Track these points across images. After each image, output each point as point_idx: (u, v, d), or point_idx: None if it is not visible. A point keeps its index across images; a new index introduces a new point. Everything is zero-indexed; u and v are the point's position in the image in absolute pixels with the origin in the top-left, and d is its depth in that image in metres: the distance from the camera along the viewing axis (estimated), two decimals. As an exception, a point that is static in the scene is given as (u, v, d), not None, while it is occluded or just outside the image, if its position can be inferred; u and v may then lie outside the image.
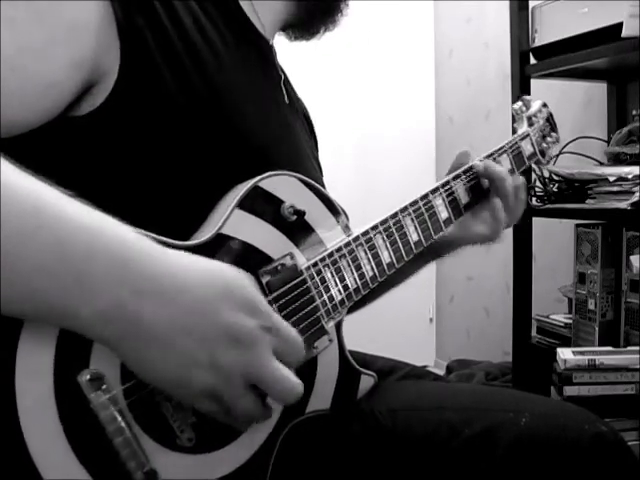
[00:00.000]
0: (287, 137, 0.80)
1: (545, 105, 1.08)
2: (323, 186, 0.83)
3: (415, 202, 0.82)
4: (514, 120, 1.06)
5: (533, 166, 1.74)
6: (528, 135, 1.02)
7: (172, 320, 0.53)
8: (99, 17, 0.61)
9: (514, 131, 1.03)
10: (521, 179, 0.95)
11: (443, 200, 0.87)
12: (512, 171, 0.97)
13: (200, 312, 0.54)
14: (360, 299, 0.76)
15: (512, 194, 0.92)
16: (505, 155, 0.96)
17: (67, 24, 0.59)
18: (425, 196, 0.84)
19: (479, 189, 0.92)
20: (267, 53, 0.81)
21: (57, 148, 0.63)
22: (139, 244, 0.54)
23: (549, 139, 1.07)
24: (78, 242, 0.50)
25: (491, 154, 0.94)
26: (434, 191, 0.86)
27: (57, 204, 0.51)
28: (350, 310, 0.76)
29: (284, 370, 0.56)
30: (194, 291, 0.54)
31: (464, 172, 0.91)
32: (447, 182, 0.88)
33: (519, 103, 1.06)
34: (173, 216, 0.65)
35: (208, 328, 0.54)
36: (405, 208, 0.81)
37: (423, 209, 0.83)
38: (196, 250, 0.61)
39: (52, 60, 0.58)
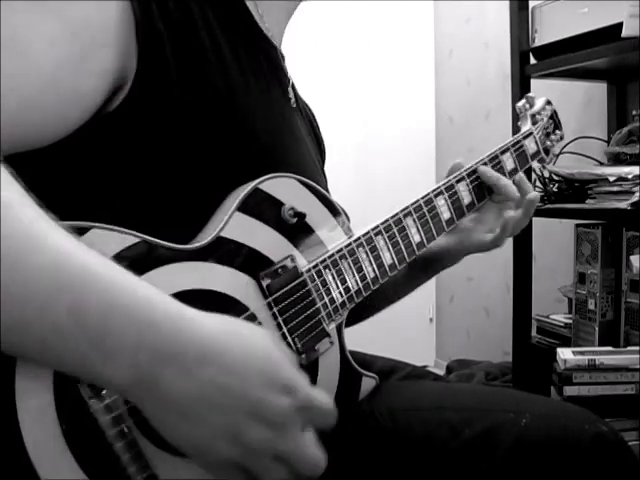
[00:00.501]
0: (294, 142, 0.80)
1: (549, 102, 1.07)
2: (326, 191, 0.83)
3: (417, 202, 0.82)
4: (517, 118, 1.05)
5: (533, 166, 1.74)
6: (531, 133, 1.01)
7: (194, 389, 0.50)
8: (122, 24, 0.61)
9: (517, 129, 1.03)
10: (535, 195, 0.94)
11: (445, 200, 0.86)
12: (515, 170, 0.96)
13: (226, 385, 0.51)
14: (359, 313, 0.75)
15: (530, 201, 0.92)
16: (508, 154, 0.95)
17: (97, 36, 0.59)
18: (427, 196, 0.84)
19: (482, 190, 0.92)
20: (275, 58, 0.81)
21: (64, 150, 0.62)
22: (159, 304, 0.51)
23: (553, 137, 1.05)
24: (95, 305, 0.48)
25: (494, 153, 0.94)
26: (436, 191, 0.85)
27: (79, 261, 0.49)
28: (348, 323, 0.76)
29: (311, 448, 0.54)
30: (221, 360, 0.51)
31: (467, 174, 0.90)
32: (449, 183, 0.88)
33: (523, 101, 1.05)
34: (174, 219, 0.65)
35: (234, 403, 0.51)
36: (407, 209, 0.81)
37: (425, 210, 0.83)
38: (196, 253, 0.61)
39: (85, 73, 0.58)
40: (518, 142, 0.98)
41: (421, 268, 0.94)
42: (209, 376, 0.50)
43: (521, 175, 0.95)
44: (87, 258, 0.50)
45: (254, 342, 0.53)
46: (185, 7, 0.68)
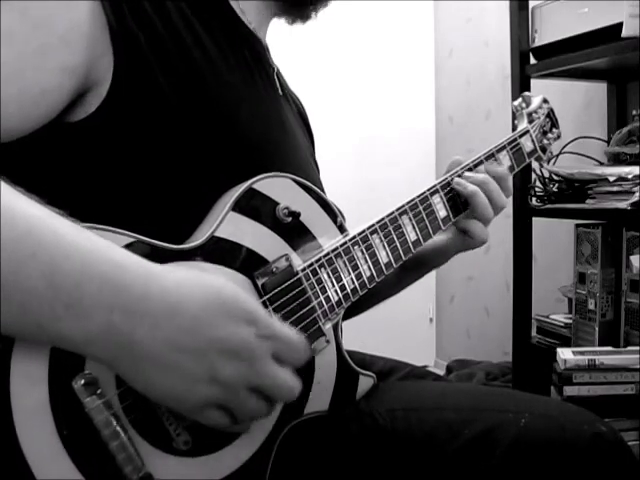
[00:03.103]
0: (283, 136, 0.80)
1: (546, 101, 1.07)
2: (320, 184, 0.83)
3: (413, 201, 0.82)
4: (514, 117, 1.05)
5: (533, 166, 1.75)
6: (528, 132, 1.00)
7: (166, 340, 0.53)
8: (92, 24, 0.61)
9: (515, 128, 1.03)
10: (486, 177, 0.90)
11: (441, 198, 0.86)
12: (512, 168, 0.96)
13: (195, 329, 0.54)
14: (354, 307, 0.75)
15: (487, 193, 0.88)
16: (505, 152, 0.95)
17: (60, 33, 0.60)
18: (423, 195, 0.84)
19: None
20: (259, 50, 0.81)
21: (51, 153, 0.63)
22: (130, 266, 0.53)
23: (550, 135, 1.05)
24: (69, 268, 0.51)
25: (490, 151, 0.93)
26: (432, 190, 0.85)
27: (50, 228, 0.51)
28: (345, 317, 0.76)
29: (283, 374, 0.57)
30: (187, 309, 0.54)
31: (464, 172, 0.90)
32: (446, 180, 0.87)
33: (519, 100, 1.05)
34: (168, 219, 0.65)
35: (204, 344, 0.54)
36: (402, 207, 0.80)
37: (421, 208, 0.83)
38: (191, 253, 0.61)
39: (46, 68, 0.59)
40: (514, 140, 0.98)
41: (413, 266, 0.94)
42: (177, 325, 0.53)
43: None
44: (58, 224, 0.52)
45: (214, 285, 0.56)
46: (161, 5, 0.68)
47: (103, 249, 0.53)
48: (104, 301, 0.51)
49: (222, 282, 0.57)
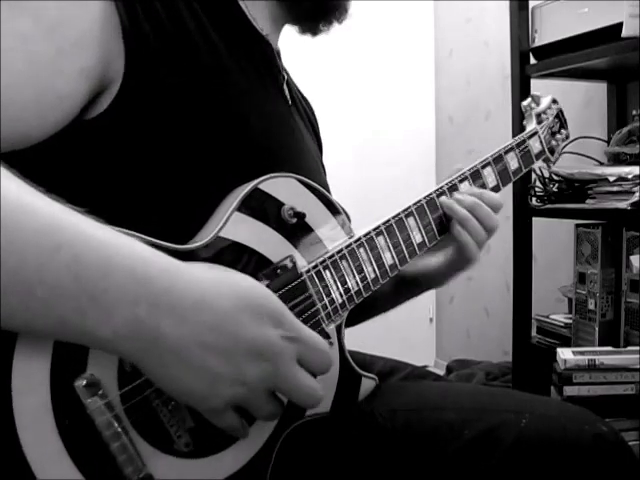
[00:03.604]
0: (291, 139, 0.80)
1: (555, 101, 1.06)
2: (327, 187, 0.83)
3: (419, 203, 0.82)
4: (518, 118, 1.04)
5: (533, 166, 1.74)
6: (536, 133, 1.00)
7: (192, 336, 0.52)
8: (105, 25, 0.61)
9: (517, 129, 1.02)
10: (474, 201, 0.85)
11: None
12: (519, 169, 0.95)
13: (221, 327, 0.53)
14: (355, 317, 0.75)
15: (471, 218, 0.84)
16: (512, 153, 0.94)
17: (75, 36, 0.59)
18: (429, 196, 0.83)
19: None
20: (269, 55, 0.81)
21: (62, 150, 0.62)
22: (155, 260, 0.53)
23: (558, 136, 1.04)
24: (94, 261, 0.50)
25: (498, 152, 0.93)
26: (439, 191, 0.84)
27: (74, 223, 0.51)
28: (347, 324, 0.76)
29: (305, 379, 0.57)
30: (213, 305, 0.53)
31: (470, 175, 0.88)
32: (452, 183, 0.86)
33: (528, 100, 1.04)
34: (174, 219, 0.65)
35: (230, 343, 0.54)
36: (408, 209, 0.80)
37: (427, 210, 0.82)
38: (195, 253, 0.61)
39: (62, 72, 0.58)
40: (523, 142, 0.97)
41: (409, 288, 0.94)
42: (205, 322, 0.53)
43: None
44: (81, 219, 0.52)
45: (242, 284, 0.56)
46: (172, 7, 0.68)
47: (127, 242, 0.53)
48: (129, 293, 0.51)
49: (250, 281, 0.57)
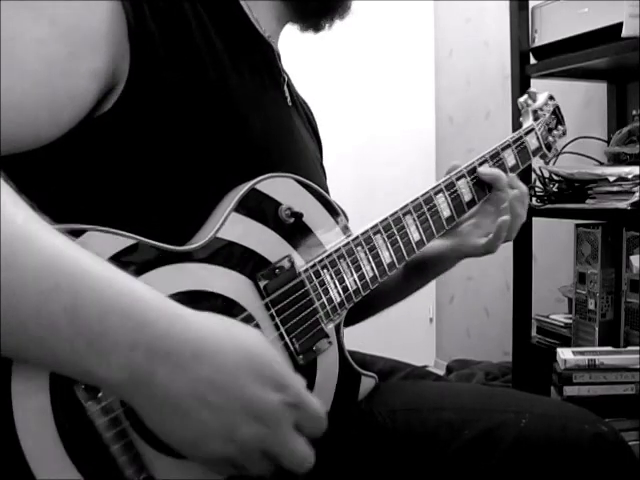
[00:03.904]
0: (291, 140, 0.80)
1: (552, 98, 1.06)
2: (326, 189, 0.83)
3: (417, 201, 0.82)
4: (518, 118, 1.04)
5: (533, 166, 1.74)
6: (533, 129, 1.00)
7: (188, 387, 0.51)
8: (113, 25, 0.61)
9: (519, 125, 1.02)
10: (524, 188, 0.93)
11: (445, 198, 0.85)
12: (517, 166, 0.95)
13: (219, 383, 0.52)
14: (355, 313, 0.75)
15: (514, 199, 0.91)
16: (509, 150, 0.94)
17: (88, 37, 0.59)
18: (427, 194, 0.83)
19: (482, 187, 0.91)
20: (270, 56, 0.81)
21: (65, 152, 0.62)
22: (156, 304, 0.52)
23: (555, 132, 1.04)
24: (91, 303, 0.49)
25: (495, 149, 0.93)
26: (436, 189, 0.85)
27: (73, 259, 0.50)
28: (345, 323, 0.76)
29: (301, 445, 0.55)
30: (214, 360, 0.52)
31: (468, 172, 0.89)
32: (450, 180, 0.87)
33: (524, 96, 1.04)
34: (173, 220, 0.65)
35: (228, 401, 0.52)
36: (406, 207, 0.80)
37: (425, 208, 0.82)
38: (193, 254, 0.61)
39: (75, 74, 0.58)
40: (520, 138, 0.97)
41: (416, 273, 0.94)
42: (202, 374, 0.51)
43: (511, 175, 0.94)
44: (81, 258, 0.50)
45: (246, 341, 0.54)
46: (177, 7, 0.68)
47: (126, 282, 0.52)
48: (128, 337, 0.49)
49: (255, 338, 0.55)
